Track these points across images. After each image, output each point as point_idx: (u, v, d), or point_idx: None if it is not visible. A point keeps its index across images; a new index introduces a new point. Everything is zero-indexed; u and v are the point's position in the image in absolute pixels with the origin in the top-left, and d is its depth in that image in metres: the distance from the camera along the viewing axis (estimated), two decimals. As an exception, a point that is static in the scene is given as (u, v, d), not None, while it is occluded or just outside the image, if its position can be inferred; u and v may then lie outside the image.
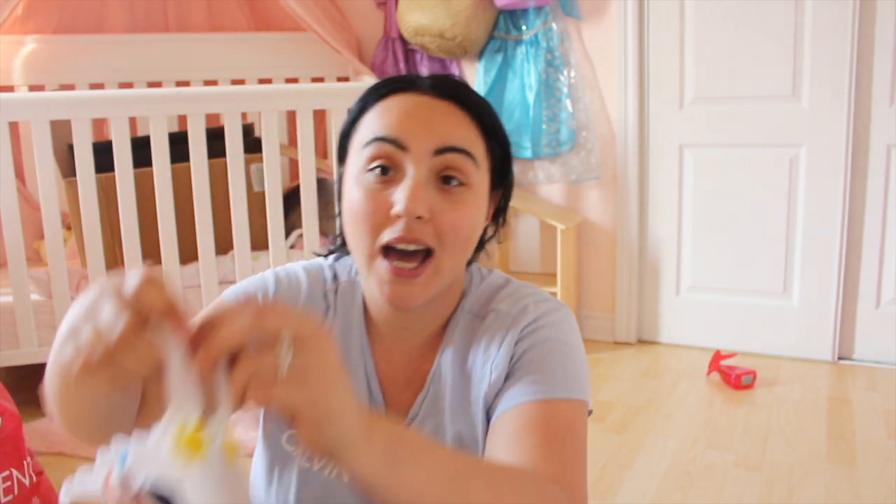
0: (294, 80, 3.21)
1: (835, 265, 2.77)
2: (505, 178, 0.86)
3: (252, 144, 2.52)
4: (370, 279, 0.78)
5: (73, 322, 0.54)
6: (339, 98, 2.45)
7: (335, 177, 0.87)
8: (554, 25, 2.96)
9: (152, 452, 0.52)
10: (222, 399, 0.52)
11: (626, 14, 2.89)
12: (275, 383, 0.52)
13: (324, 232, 2.54)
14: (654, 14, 2.90)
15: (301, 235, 2.58)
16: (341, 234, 0.85)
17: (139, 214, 2.33)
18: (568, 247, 2.98)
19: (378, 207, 0.75)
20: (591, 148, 2.97)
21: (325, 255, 0.93)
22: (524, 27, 3.01)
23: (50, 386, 0.66)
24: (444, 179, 0.77)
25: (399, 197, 0.74)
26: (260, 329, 0.52)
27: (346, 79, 3.27)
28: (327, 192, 2.53)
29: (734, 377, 2.60)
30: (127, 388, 0.69)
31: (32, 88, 2.98)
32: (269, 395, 0.52)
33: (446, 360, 0.84)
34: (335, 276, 0.88)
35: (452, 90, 0.80)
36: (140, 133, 2.67)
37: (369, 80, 2.99)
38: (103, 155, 2.30)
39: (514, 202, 1.05)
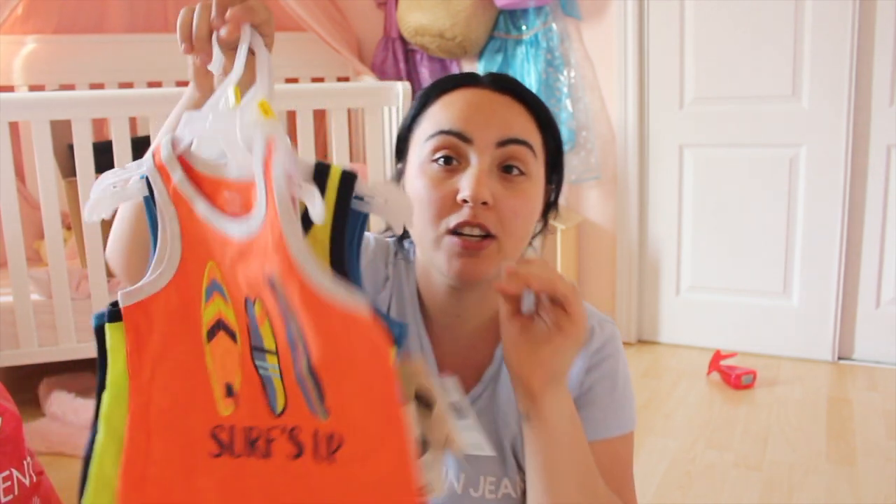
0: (294, 80, 3.21)
1: (835, 265, 2.77)
2: (556, 170, 0.89)
3: (252, 144, 2.52)
4: (438, 256, 0.80)
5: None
6: (339, 98, 2.44)
7: (393, 174, 0.89)
8: (554, 25, 2.96)
9: (227, 115, 0.62)
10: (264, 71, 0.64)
11: (626, 14, 2.89)
12: None
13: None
14: (654, 14, 2.90)
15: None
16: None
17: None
18: (568, 247, 2.98)
19: (444, 194, 0.78)
20: (591, 148, 2.97)
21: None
22: (524, 27, 3.01)
23: (121, 212, 0.77)
24: (506, 169, 0.80)
25: (465, 184, 0.77)
26: None
27: (346, 79, 3.26)
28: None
29: (734, 377, 2.60)
30: None
31: (32, 88, 2.98)
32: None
33: None
34: (396, 253, 0.91)
35: (510, 85, 0.83)
36: (140, 133, 2.67)
37: (369, 80, 2.99)
38: (103, 155, 2.29)
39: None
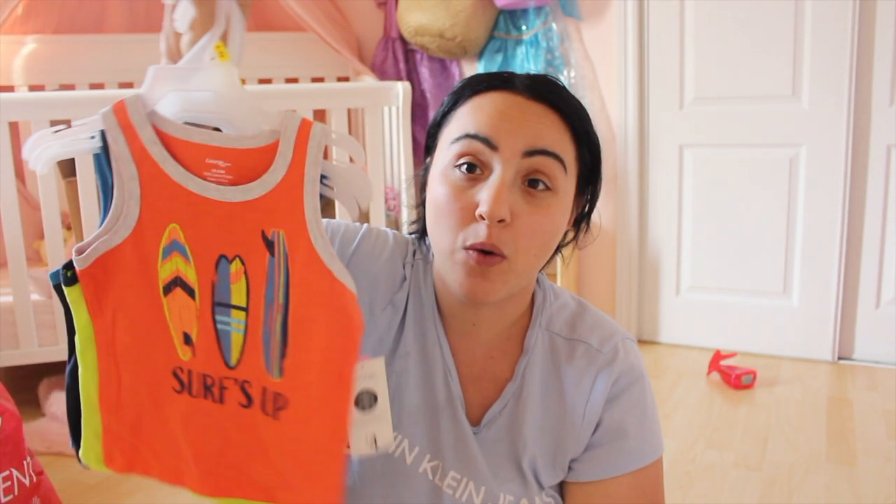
0: (294, 80, 3.21)
1: (835, 265, 2.77)
2: (592, 183, 0.85)
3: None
4: (451, 271, 0.77)
5: None
6: (339, 98, 2.44)
7: (422, 166, 0.87)
8: (554, 25, 2.96)
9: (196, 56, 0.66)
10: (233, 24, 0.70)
11: (626, 14, 2.89)
12: None
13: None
14: (654, 14, 2.90)
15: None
16: (422, 222, 0.85)
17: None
18: (567, 247, 2.98)
19: (463, 206, 0.75)
20: (591, 148, 2.97)
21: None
22: (524, 27, 3.01)
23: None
24: (531, 183, 0.76)
25: (484, 197, 0.73)
26: None
27: (346, 79, 3.27)
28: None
29: (734, 377, 2.60)
30: None
31: (32, 88, 2.98)
32: None
33: (531, 376, 0.84)
34: (415, 253, 0.89)
35: (547, 92, 0.78)
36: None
37: (369, 80, 2.99)
38: None
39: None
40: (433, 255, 0.85)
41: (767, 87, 2.78)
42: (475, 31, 2.97)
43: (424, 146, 0.87)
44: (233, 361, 0.69)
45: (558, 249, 0.87)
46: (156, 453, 0.74)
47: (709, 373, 2.73)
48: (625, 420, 0.83)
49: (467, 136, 0.76)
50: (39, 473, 1.61)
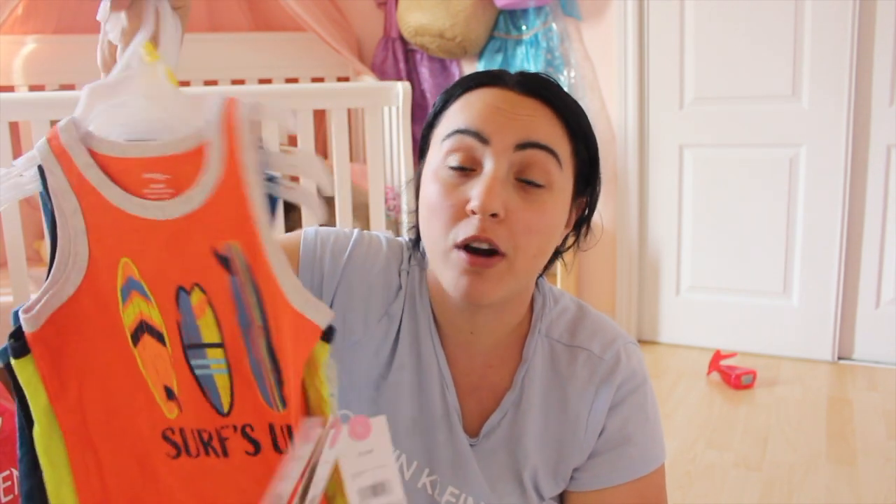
0: (294, 80, 3.21)
1: (835, 265, 2.77)
2: (590, 184, 0.83)
3: (252, 144, 2.52)
4: (445, 272, 0.75)
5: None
6: (339, 98, 2.44)
7: (416, 172, 0.84)
8: (554, 25, 2.96)
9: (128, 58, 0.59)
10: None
11: (626, 14, 2.89)
12: None
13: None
14: (654, 14, 2.90)
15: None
16: (416, 227, 0.83)
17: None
18: (568, 252, 2.98)
19: (454, 203, 0.73)
20: (591, 148, 2.97)
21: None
22: (524, 27, 3.01)
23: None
24: (525, 178, 0.74)
25: (475, 192, 0.71)
26: None
27: (346, 79, 3.26)
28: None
29: (734, 377, 2.60)
30: None
31: (32, 88, 2.98)
32: None
33: (531, 385, 0.82)
34: (409, 259, 0.85)
35: (539, 88, 0.76)
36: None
37: (369, 80, 2.99)
38: None
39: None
40: (428, 261, 0.83)
41: (767, 87, 2.78)
42: (475, 31, 2.97)
43: (418, 150, 0.84)
44: (225, 408, 0.60)
45: (559, 255, 0.84)
46: None
47: (709, 373, 2.73)
48: (628, 426, 0.82)
49: (458, 131, 0.74)
50: (39, 473, 1.61)
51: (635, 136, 2.96)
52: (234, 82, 3.18)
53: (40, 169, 0.58)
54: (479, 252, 0.72)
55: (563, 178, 0.76)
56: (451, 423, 0.81)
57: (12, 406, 1.61)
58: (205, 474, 0.62)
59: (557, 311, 0.85)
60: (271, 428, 0.60)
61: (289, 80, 3.21)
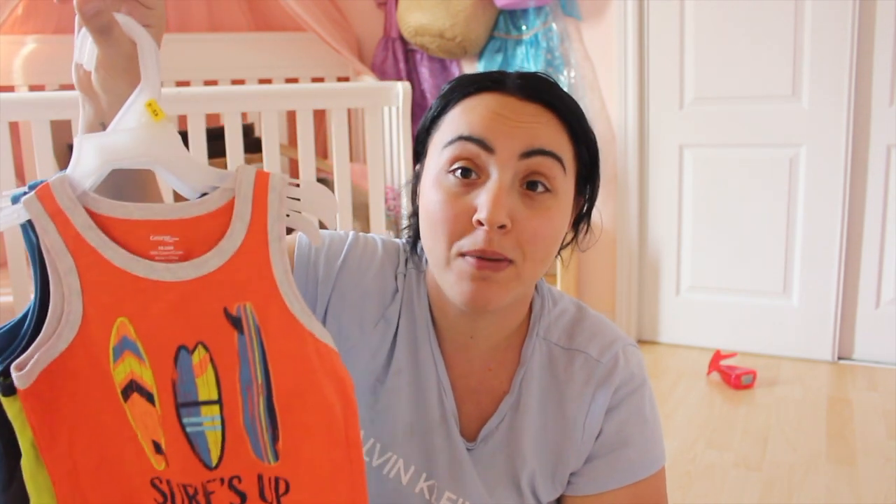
0: (294, 80, 3.21)
1: (835, 265, 2.77)
2: (590, 183, 0.82)
3: (252, 144, 2.52)
4: (448, 278, 0.73)
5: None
6: (339, 98, 2.44)
7: (412, 174, 0.83)
8: (554, 25, 2.96)
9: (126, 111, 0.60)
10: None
11: (626, 14, 2.89)
12: None
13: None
14: (654, 14, 2.90)
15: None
16: (415, 231, 0.82)
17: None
18: (567, 248, 2.98)
19: (459, 213, 0.71)
20: (591, 148, 2.97)
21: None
22: (524, 27, 3.01)
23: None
24: (530, 185, 0.73)
25: (482, 202, 0.70)
26: None
27: (346, 79, 3.26)
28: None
29: (734, 377, 2.60)
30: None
31: (32, 88, 2.98)
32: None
33: (529, 388, 0.81)
34: (406, 262, 0.84)
35: (541, 92, 0.75)
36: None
37: (369, 80, 2.99)
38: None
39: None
40: (427, 264, 0.82)
41: (767, 87, 2.78)
42: (475, 31, 2.97)
43: (413, 153, 0.83)
44: (214, 462, 0.61)
45: (557, 253, 0.84)
46: None
47: (709, 373, 2.73)
48: (625, 429, 0.81)
49: (461, 138, 0.73)
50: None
51: (635, 136, 2.96)
52: (234, 82, 3.18)
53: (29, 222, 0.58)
54: (485, 260, 0.71)
55: (566, 182, 0.76)
56: (449, 428, 0.80)
57: None
58: None
59: (556, 314, 0.85)
60: (259, 479, 0.62)
61: (289, 80, 3.21)
